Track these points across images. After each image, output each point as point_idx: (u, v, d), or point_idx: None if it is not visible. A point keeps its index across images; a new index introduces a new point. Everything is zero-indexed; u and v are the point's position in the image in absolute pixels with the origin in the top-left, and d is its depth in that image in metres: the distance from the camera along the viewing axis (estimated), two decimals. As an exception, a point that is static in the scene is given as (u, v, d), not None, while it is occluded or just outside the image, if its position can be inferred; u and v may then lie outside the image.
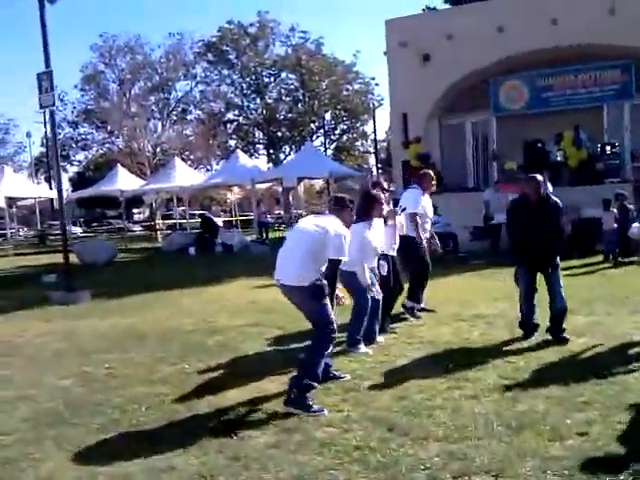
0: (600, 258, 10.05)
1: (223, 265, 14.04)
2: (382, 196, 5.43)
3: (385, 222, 5.77)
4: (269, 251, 16.15)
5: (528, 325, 5.43)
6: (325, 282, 4.18)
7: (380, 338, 5.69)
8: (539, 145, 14.15)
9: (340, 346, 5.29)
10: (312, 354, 4.24)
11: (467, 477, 2.96)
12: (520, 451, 3.17)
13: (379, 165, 27.03)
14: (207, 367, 5.29)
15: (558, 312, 5.28)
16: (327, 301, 4.22)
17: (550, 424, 3.48)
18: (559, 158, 13.74)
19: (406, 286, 6.64)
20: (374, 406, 4.00)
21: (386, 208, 5.79)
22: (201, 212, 19.18)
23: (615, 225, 9.84)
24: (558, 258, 5.36)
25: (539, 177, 5.34)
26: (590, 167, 12.67)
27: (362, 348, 5.32)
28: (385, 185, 6.12)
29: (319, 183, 35.62)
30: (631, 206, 10.00)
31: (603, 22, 13.26)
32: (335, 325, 4.23)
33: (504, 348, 5.19)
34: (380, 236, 5.52)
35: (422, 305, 6.90)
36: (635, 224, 9.87)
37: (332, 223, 4.31)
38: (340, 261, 4.28)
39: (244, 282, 10.38)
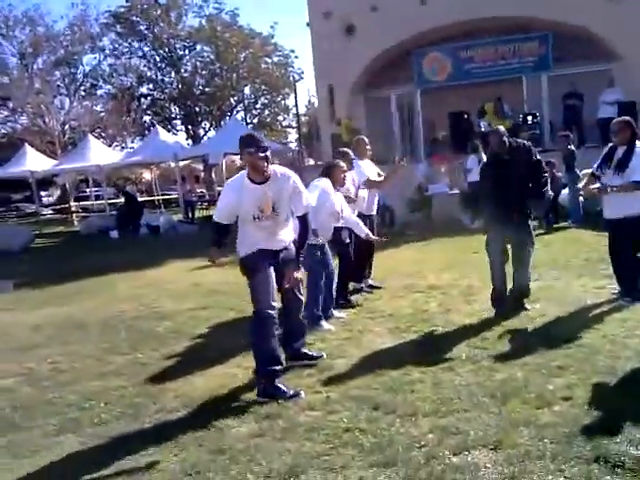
0: (534, 224, 10.40)
1: (153, 247, 13.45)
2: (343, 165, 5.28)
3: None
4: (198, 230, 15.68)
5: (500, 300, 5.20)
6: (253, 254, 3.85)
7: (341, 314, 5.59)
8: (465, 117, 14.42)
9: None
10: (252, 339, 3.94)
11: (467, 452, 2.92)
12: (512, 421, 3.17)
13: (301, 140, 26.66)
14: (163, 355, 5.00)
15: (523, 281, 5.23)
16: (258, 277, 3.81)
17: (534, 391, 3.50)
18: (483, 129, 14.05)
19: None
20: (353, 385, 3.89)
21: (350, 179, 5.66)
22: (124, 190, 18.24)
23: (550, 193, 10.19)
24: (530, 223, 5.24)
25: (500, 128, 5.20)
26: (514, 137, 13.01)
27: (325, 325, 5.21)
28: (351, 156, 5.94)
29: (238, 159, 34.85)
30: (560, 174, 10.40)
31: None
32: (263, 304, 3.79)
33: (465, 318, 5.21)
34: (344, 206, 5.37)
35: (370, 282, 6.83)
36: (564, 191, 10.32)
37: None
38: (213, 220, 3.87)
39: (180, 264, 9.97)
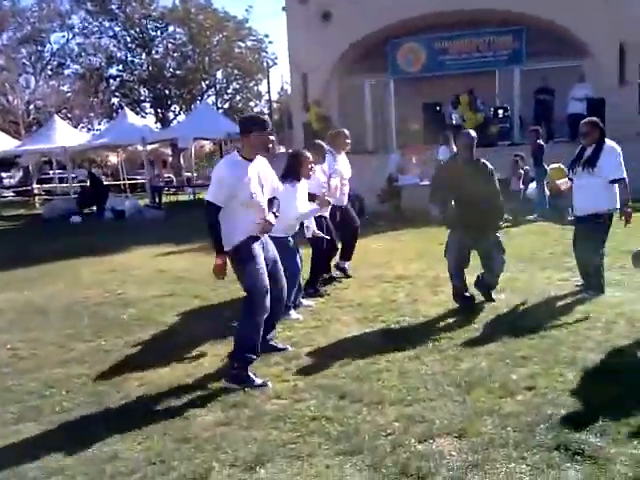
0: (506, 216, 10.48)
1: (118, 232, 13.16)
2: (309, 155, 5.22)
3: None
4: (165, 216, 15.45)
5: (462, 297, 5.19)
6: (247, 240, 3.84)
7: (310, 302, 5.58)
8: (437, 108, 14.49)
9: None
10: (241, 325, 3.95)
11: (432, 440, 2.95)
12: (476, 410, 3.21)
13: (273, 127, 26.43)
14: (127, 343, 4.90)
15: (492, 280, 5.23)
16: (255, 262, 3.81)
17: (498, 380, 3.55)
18: (454, 121, 14.14)
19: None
20: (320, 374, 3.89)
21: (319, 169, 5.61)
22: (90, 172, 17.83)
23: (522, 186, 10.35)
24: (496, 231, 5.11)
25: (472, 133, 5.02)
26: (485, 130, 13.18)
27: (293, 314, 5.19)
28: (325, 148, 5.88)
29: (208, 144, 34.43)
30: (527, 167, 10.53)
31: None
32: (262, 286, 3.79)
33: (432, 308, 5.25)
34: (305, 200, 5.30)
35: (345, 265, 6.80)
36: (532, 184, 10.47)
37: None
38: (209, 203, 3.78)
39: (146, 250, 9.77)
